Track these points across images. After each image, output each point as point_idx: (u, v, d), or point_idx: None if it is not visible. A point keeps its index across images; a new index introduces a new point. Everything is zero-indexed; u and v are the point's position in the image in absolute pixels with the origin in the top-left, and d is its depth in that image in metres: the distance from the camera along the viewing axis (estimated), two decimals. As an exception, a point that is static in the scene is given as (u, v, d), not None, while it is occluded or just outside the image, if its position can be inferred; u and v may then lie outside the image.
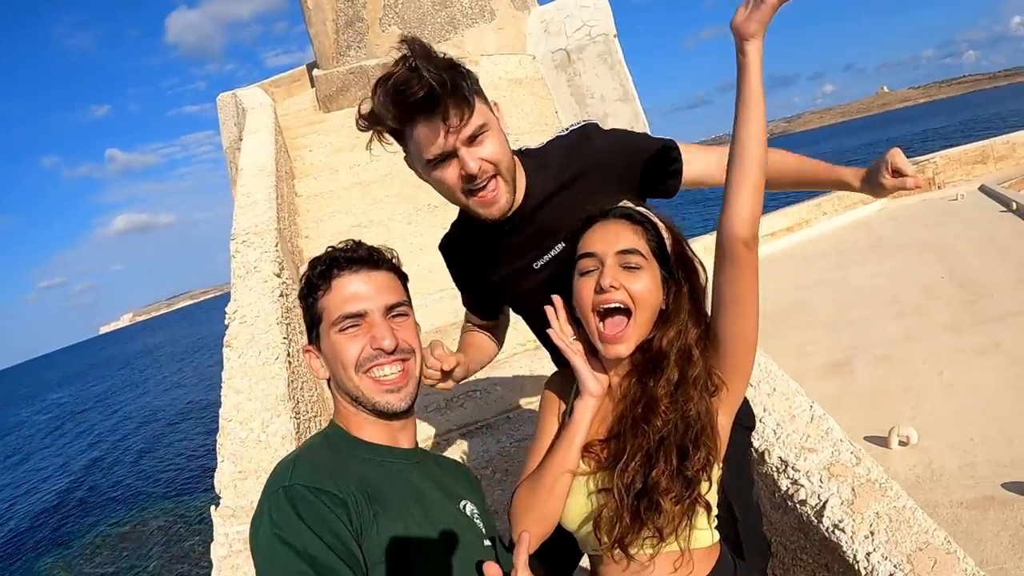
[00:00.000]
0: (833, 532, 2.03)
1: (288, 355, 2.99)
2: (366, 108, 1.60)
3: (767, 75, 1.71)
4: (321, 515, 1.19)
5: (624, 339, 1.41)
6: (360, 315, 1.39)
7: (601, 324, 1.42)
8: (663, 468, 1.32)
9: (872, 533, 1.96)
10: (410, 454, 1.46)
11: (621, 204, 1.54)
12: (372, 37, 8.55)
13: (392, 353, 1.39)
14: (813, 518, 2.11)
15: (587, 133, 1.77)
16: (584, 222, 1.53)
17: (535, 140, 1.84)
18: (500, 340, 2.18)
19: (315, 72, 9.90)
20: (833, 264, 9.63)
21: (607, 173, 1.73)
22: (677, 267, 1.47)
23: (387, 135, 1.62)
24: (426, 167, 1.62)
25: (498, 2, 8.30)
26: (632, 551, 1.35)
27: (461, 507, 1.46)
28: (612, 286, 1.39)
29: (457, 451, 3.23)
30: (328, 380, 1.46)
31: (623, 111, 7.34)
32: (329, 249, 1.47)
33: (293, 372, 2.98)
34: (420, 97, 1.49)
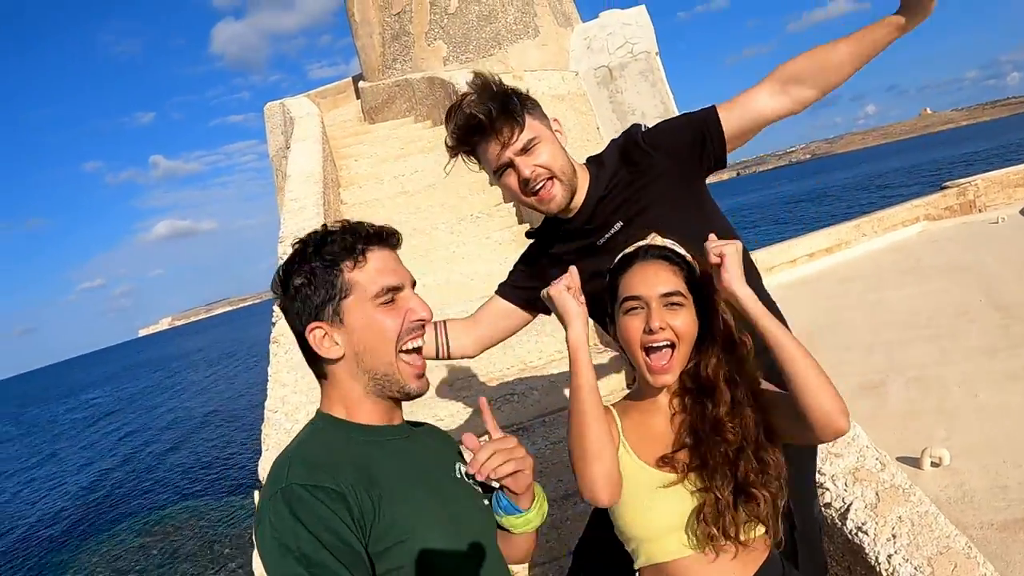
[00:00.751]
0: (856, 534, 2.09)
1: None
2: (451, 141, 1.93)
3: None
4: (317, 513, 1.19)
5: (670, 369, 1.57)
6: (398, 288, 1.39)
7: (648, 358, 1.57)
8: (746, 466, 1.49)
9: (894, 536, 2.02)
10: (403, 429, 1.47)
11: (655, 244, 1.64)
12: (418, 51, 8.72)
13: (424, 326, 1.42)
14: (837, 520, 2.17)
15: (634, 130, 1.98)
16: (622, 260, 1.66)
17: (576, 155, 2.01)
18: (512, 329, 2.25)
19: (361, 84, 10.11)
20: (870, 286, 9.53)
21: (658, 156, 1.90)
22: (708, 298, 1.60)
23: (470, 157, 1.94)
24: (494, 177, 1.92)
25: (542, 19, 8.43)
26: (743, 537, 1.49)
27: (456, 471, 1.48)
28: (660, 328, 1.54)
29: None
30: (335, 360, 1.39)
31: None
32: (334, 225, 1.43)
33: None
34: (474, 124, 1.82)
